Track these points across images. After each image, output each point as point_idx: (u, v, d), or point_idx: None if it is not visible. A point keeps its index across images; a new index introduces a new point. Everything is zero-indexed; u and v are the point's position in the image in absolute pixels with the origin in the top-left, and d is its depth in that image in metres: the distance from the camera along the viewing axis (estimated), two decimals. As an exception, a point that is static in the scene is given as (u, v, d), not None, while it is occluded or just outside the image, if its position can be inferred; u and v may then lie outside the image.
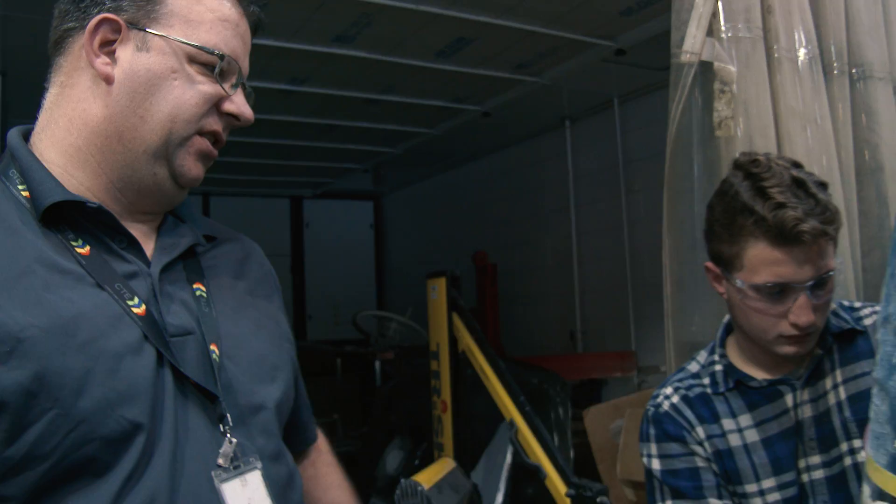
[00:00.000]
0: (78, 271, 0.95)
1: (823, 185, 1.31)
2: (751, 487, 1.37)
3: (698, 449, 1.40)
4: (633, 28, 4.17)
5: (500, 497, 2.99)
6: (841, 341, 1.40)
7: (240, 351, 1.08)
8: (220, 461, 0.98)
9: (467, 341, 3.36)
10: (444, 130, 6.16)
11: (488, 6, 3.75)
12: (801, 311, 1.28)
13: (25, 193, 0.99)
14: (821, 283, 1.28)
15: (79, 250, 0.97)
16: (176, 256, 1.07)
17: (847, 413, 1.35)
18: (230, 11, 1.07)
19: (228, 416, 1.01)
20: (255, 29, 1.13)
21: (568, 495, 2.63)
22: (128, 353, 0.93)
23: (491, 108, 5.57)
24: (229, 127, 1.10)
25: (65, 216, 0.98)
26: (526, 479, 3.22)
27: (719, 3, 2.03)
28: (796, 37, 2.11)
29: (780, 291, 1.28)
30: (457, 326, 3.42)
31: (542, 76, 4.96)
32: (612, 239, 5.99)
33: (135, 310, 0.96)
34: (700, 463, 1.40)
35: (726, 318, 1.52)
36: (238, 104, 1.08)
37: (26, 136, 1.07)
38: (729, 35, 2.03)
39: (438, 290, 3.50)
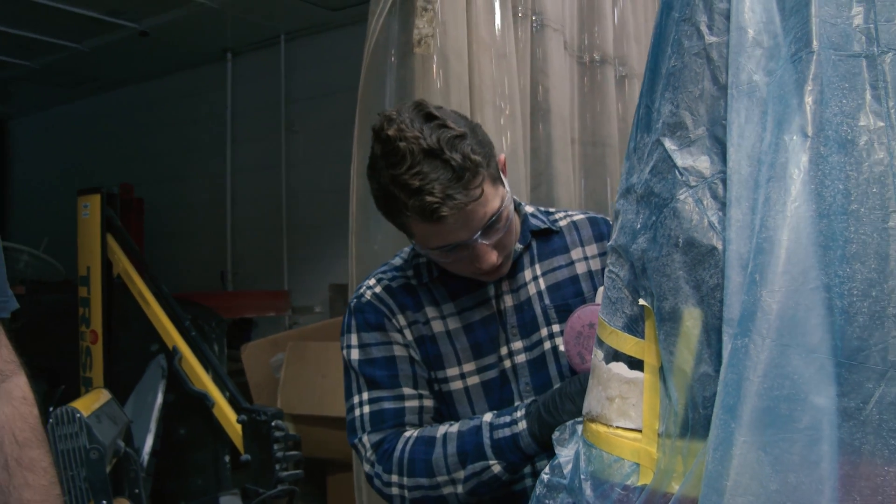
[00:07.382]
0: None
1: (460, 137, 1.22)
2: (452, 371, 1.43)
3: (397, 336, 1.42)
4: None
5: (150, 439, 2.81)
6: (538, 238, 1.52)
7: None
8: None
9: (124, 265, 3.07)
10: (94, 47, 5.59)
11: None
12: (481, 260, 1.30)
13: None
14: (489, 228, 1.29)
15: None
16: None
17: (547, 301, 1.46)
18: None
19: None
20: None
21: (239, 421, 2.53)
22: None
23: (150, 26, 5.17)
24: None
25: None
26: (183, 417, 3.05)
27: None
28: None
29: (454, 247, 1.29)
30: (112, 249, 3.10)
31: (208, -2, 4.71)
32: (269, 178, 5.92)
33: None
34: (398, 352, 1.42)
35: None
36: None
37: None
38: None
39: (91, 209, 3.10)
